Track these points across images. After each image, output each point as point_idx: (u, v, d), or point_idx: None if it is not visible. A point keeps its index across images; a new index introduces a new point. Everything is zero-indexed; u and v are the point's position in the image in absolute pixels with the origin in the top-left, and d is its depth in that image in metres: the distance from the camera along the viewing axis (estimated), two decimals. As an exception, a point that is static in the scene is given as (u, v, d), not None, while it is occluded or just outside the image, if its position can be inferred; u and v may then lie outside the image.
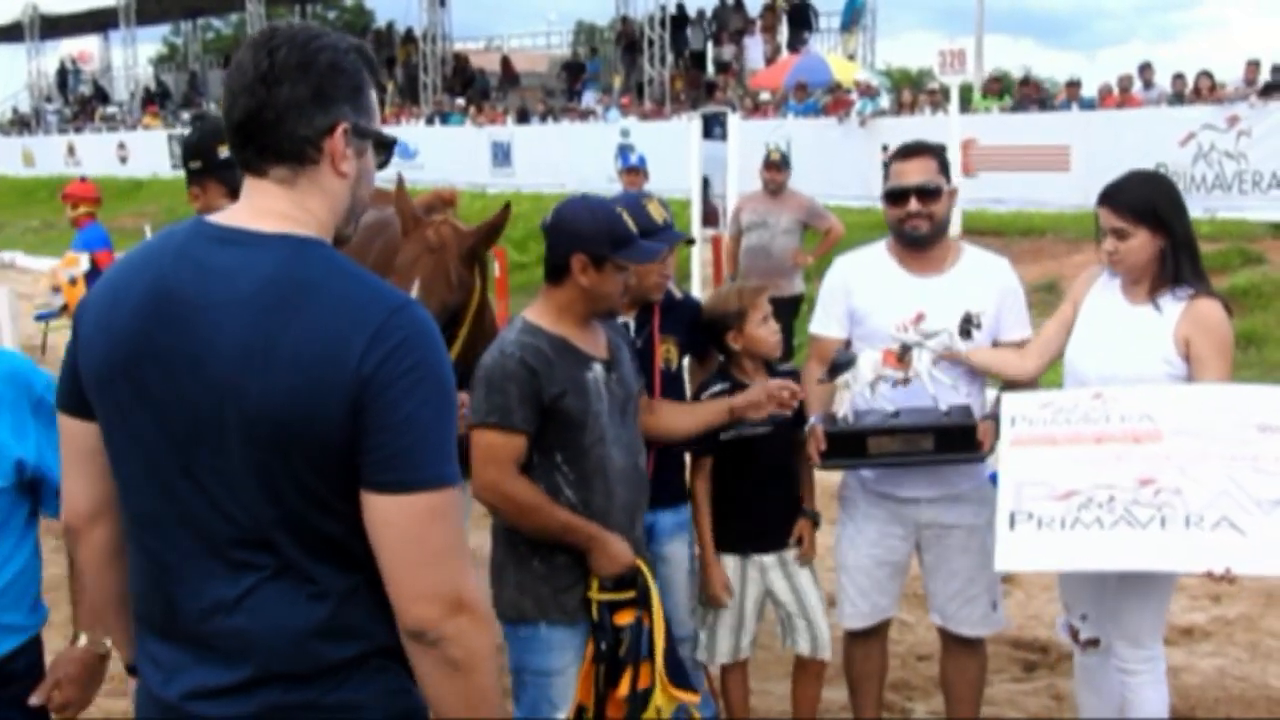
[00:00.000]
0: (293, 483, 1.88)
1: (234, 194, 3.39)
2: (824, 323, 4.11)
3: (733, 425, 3.89)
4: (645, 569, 3.42)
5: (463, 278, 4.12)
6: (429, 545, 1.89)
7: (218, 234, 1.98)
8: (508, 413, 3.28)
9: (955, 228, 10.38)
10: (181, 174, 3.86)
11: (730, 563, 4.10)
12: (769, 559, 4.14)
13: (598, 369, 3.40)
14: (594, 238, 3.33)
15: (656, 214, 3.55)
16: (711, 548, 4.03)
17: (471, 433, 3.30)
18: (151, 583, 2.03)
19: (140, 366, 1.92)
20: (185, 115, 32.87)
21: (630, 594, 3.39)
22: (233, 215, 2.02)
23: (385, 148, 2.13)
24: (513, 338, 3.38)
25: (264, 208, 1.99)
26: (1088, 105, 17.21)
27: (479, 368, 3.39)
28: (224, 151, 3.42)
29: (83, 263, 9.66)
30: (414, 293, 3.97)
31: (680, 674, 3.43)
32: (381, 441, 1.86)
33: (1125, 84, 17.23)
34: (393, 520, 1.87)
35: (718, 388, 4.01)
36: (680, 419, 3.84)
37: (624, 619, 3.38)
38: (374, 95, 2.09)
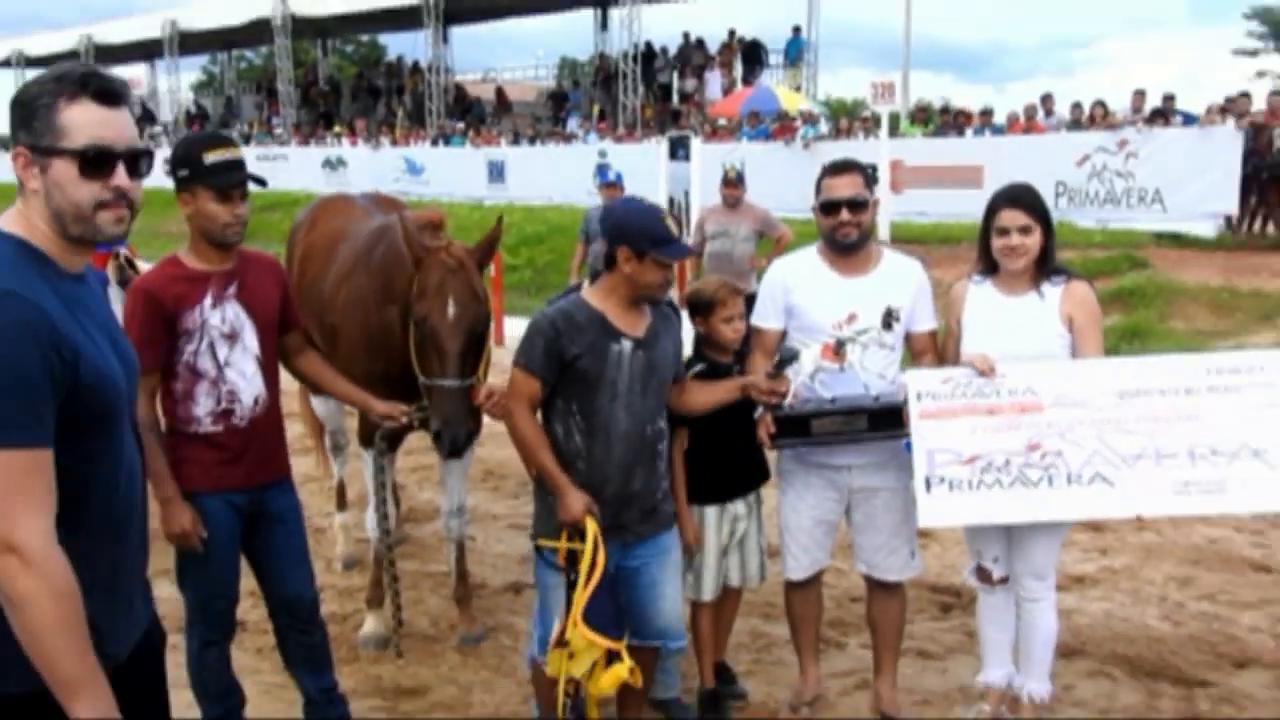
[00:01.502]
0: None
1: (220, 197, 3.44)
2: (764, 317, 4.11)
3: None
4: (594, 527, 3.44)
5: (482, 288, 4.23)
6: None
7: None
8: (532, 359, 3.52)
9: (884, 236, 10.47)
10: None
11: (711, 512, 4.12)
12: (740, 507, 4.18)
13: (626, 345, 3.53)
14: (637, 234, 3.46)
15: (672, 226, 3.56)
16: (685, 503, 4.04)
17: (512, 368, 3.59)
18: None
19: None
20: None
21: (578, 544, 3.45)
22: None
23: (89, 159, 2.12)
24: (559, 305, 3.60)
25: (9, 213, 2.17)
26: (998, 131, 17.22)
27: (529, 322, 3.62)
28: (209, 158, 3.43)
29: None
30: (450, 309, 4.04)
31: (603, 622, 3.43)
32: None
33: (1030, 113, 17.29)
34: None
35: (699, 368, 4.03)
36: (702, 395, 3.88)
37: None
38: (63, 114, 2.11)
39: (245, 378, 3.60)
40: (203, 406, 3.56)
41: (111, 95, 2.16)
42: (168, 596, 3.82)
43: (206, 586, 3.67)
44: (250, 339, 3.61)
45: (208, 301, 3.53)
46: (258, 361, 3.63)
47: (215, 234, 3.51)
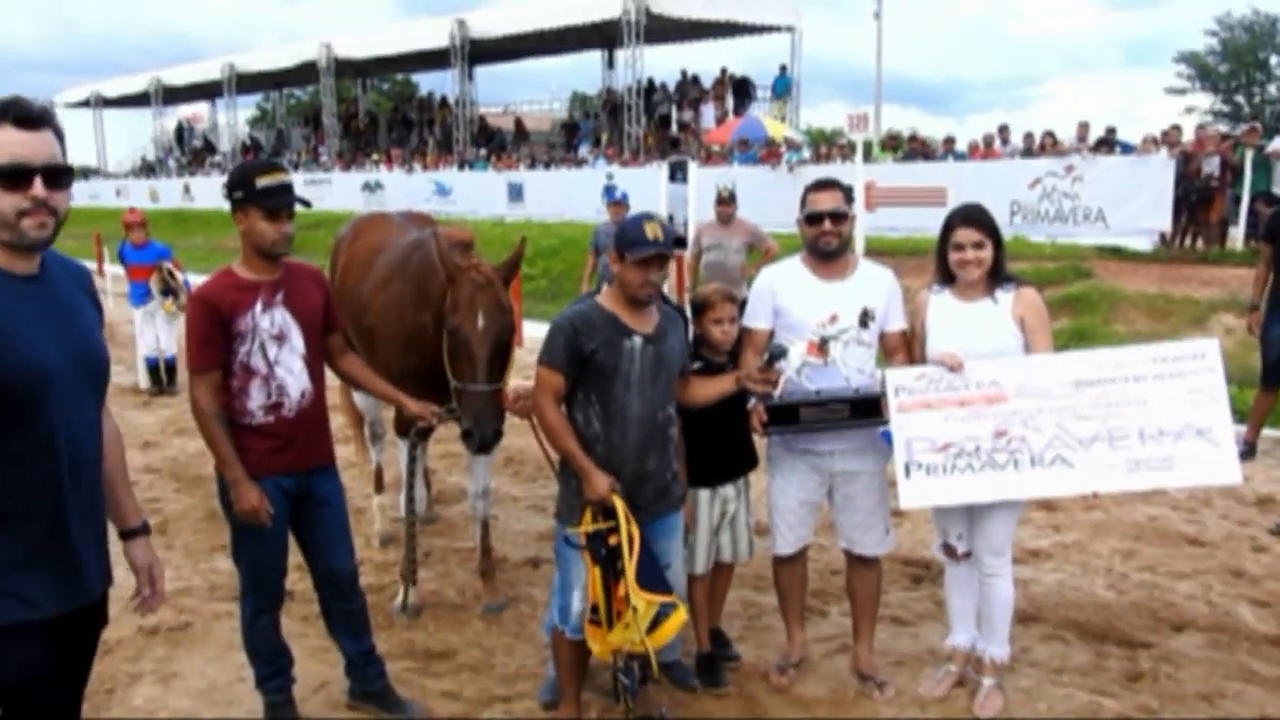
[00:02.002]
0: None
1: (270, 216, 3.44)
2: (754, 317, 4.07)
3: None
4: (619, 504, 3.41)
5: (508, 302, 4.24)
6: None
7: None
8: (554, 355, 3.53)
9: (860, 249, 10.41)
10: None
11: (703, 495, 4.08)
12: (729, 490, 4.14)
13: (637, 340, 3.54)
14: (619, 241, 3.53)
15: (650, 232, 3.48)
16: (686, 483, 3.98)
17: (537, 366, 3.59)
18: None
19: None
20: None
21: (610, 524, 3.42)
22: None
23: (7, 174, 2.19)
24: (577, 307, 3.64)
25: None
26: (960, 157, 17.22)
27: (551, 324, 3.62)
28: (260, 182, 3.44)
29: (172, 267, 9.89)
30: (480, 321, 4.05)
31: (654, 581, 3.41)
32: None
33: (988, 141, 17.26)
34: None
35: (696, 365, 3.98)
36: (702, 389, 3.84)
37: (612, 541, 3.41)
38: None
39: (293, 374, 3.59)
40: (255, 400, 3.55)
41: (30, 120, 2.24)
42: (224, 569, 3.79)
43: (259, 560, 3.68)
44: (297, 340, 3.60)
45: (258, 307, 3.53)
46: (304, 360, 3.62)
47: (265, 248, 3.52)
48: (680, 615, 3.49)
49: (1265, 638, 4.57)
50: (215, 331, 3.48)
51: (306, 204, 3.66)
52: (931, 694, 4.07)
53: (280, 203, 3.49)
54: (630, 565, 3.36)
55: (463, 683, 4.24)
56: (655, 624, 3.44)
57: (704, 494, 4.08)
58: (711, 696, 4.09)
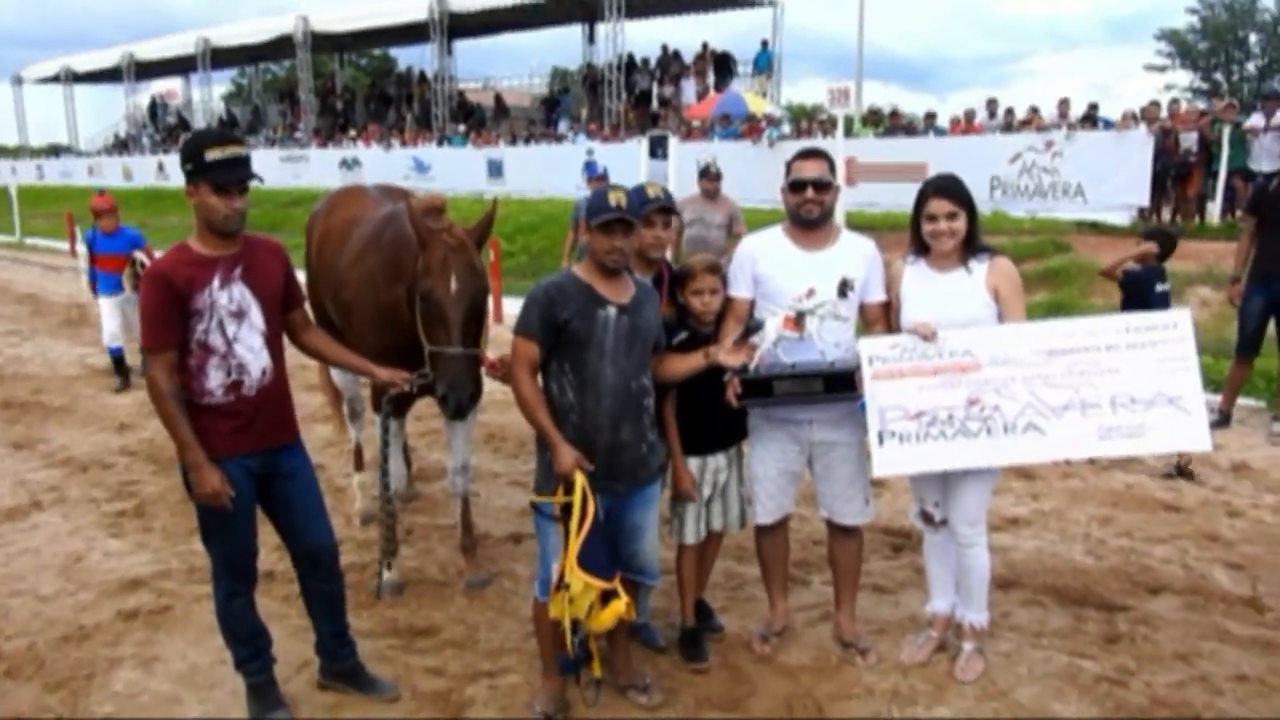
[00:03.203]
0: None
1: (220, 191, 3.37)
2: (735, 286, 4.06)
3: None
4: (582, 483, 3.41)
5: (481, 265, 4.20)
6: None
7: None
8: (529, 324, 3.56)
9: (840, 223, 10.44)
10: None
11: (694, 464, 4.08)
12: (721, 460, 4.15)
13: (611, 310, 3.57)
14: (587, 211, 3.60)
15: (613, 198, 3.52)
16: (680, 456, 4.01)
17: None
18: None
19: None
20: (249, 139, 32.34)
21: (569, 498, 3.43)
22: None
23: None
24: (551, 278, 3.67)
25: None
26: (940, 133, 17.21)
27: (526, 294, 3.63)
28: (210, 155, 3.35)
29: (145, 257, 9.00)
30: (453, 284, 4.01)
31: (597, 566, 3.41)
32: None
33: (969, 117, 17.29)
34: None
35: (682, 335, 3.98)
36: (675, 365, 3.84)
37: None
38: None
39: (253, 352, 3.53)
40: (214, 379, 3.48)
41: None
42: (203, 551, 3.78)
43: (228, 544, 3.63)
44: (256, 316, 3.54)
45: (216, 283, 3.45)
46: (264, 337, 3.56)
47: (216, 224, 3.43)
48: (619, 606, 3.47)
49: (1239, 599, 4.64)
50: (171, 309, 3.39)
51: (259, 179, 3.56)
52: (913, 659, 4.12)
53: (231, 177, 3.38)
54: (575, 543, 3.37)
55: (446, 659, 4.25)
56: (603, 605, 3.46)
57: (694, 463, 4.08)
58: (693, 671, 4.11)
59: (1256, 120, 13.51)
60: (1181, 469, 6.31)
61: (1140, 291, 6.53)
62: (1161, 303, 6.57)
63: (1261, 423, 7.39)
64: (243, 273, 3.51)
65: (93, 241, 9.23)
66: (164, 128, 39.94)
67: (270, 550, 4.46)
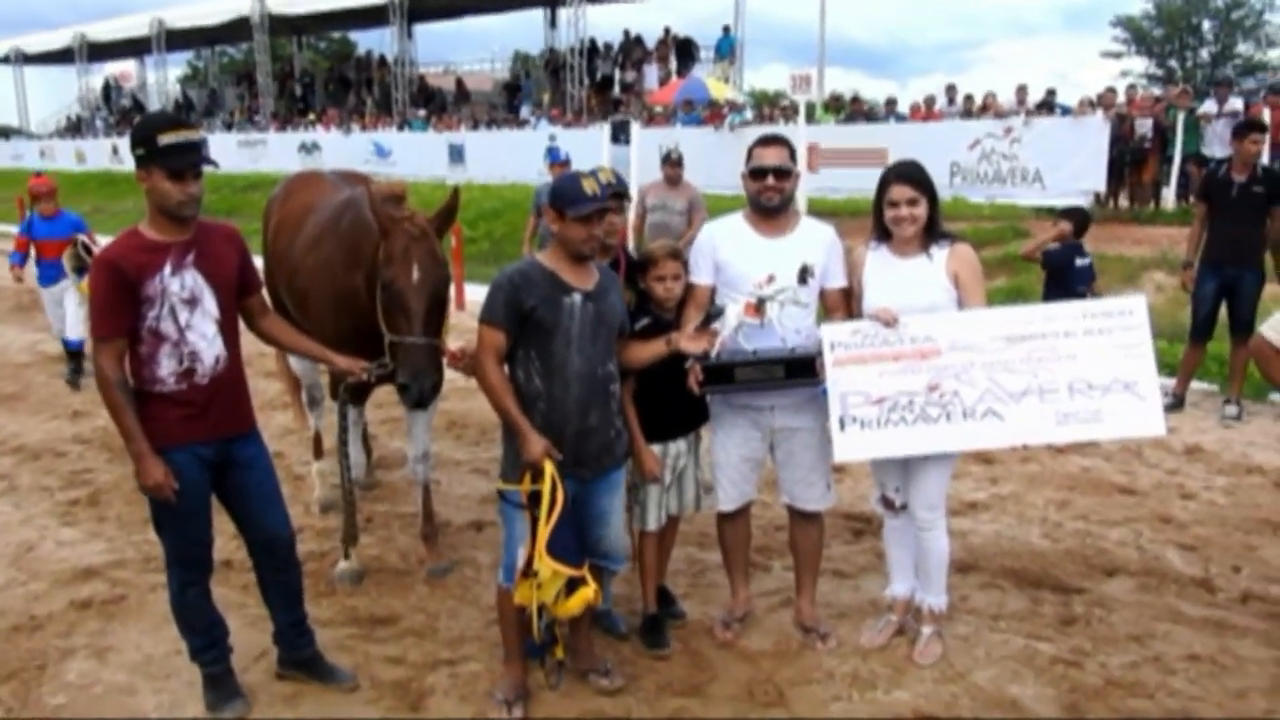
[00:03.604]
0: None
1: (174, 177, 3.29)
2: (696, 273, 4.05)
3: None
4: (552, 470, 3.41)
5: (442, 254, 4.15)
6: None
7: None
8: (495, 312, 3.52)
9: (802, 209, 10.45)
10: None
11: (655, 449, 4.06)
12: (681, 445, 4.14)
13: (576, 297, 3.54)
14: (559, 199, 3.52)
15: (588, 187, 3.49)
16: (641, 439, 3.98)
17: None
18: None
19: None
20: (205, 123, 31.81)
21: (536, 486, 3.42)
22: None
23: None
24: (516, 265, 3.63)
25: None
26: (901, 119, 17.26)
27: (491, 282, 3.59)
28: (164, 139, 3.27)
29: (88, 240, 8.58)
30: (415, 273, 3.95)
31: (566, 553, 3.41)
32: None
33: (929, 103, 17.34)
34: None
35: (644, 322, 3.96)
36: (636, 352, 3.82)
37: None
38: None
39: (206, 339, 3.47)
40: (165, 367, 3.41)
41: None
42: (156, 540, 3.72)
43: (181, 534, 3.57)
44: (210, 303, 3.47)
45: (168, 270, 3.38)
46: (217, 324, 3.50)
47: (169, 210, 3.36)
48: (587, 593, 3.48)
49: (1192, 580, 4.72)
50: (121, 296, 3.32)
51: (213, 163, 3.48)
52: (872, 644, 4.14)
53: (185, 162, 3.31)
54: (544, 530, 3.36)
55: (406, 647, 4.21)
56: (569, 592, 3.47)
57: (655, 449, 4.06)
58: (655, 657, 4.11)
59: (1209, 106, 13.69)
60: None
61: (1062, 269, 6.80)
62: (1085, 277, 6.80)
63: (1214, 406, 7.51)
64: (195, 259, 3.44)
65: (30, 227, 8.81)
66: (118, 110, 39.14)
67: (228, 539, 4.39)
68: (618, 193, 3.97)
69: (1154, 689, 3.82)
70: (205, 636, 3.74)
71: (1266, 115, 12.52)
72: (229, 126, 32.10)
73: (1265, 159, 11.22)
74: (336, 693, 3.87)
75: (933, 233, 3.89)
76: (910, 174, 3.87)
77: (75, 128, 39.38)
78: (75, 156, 34.26)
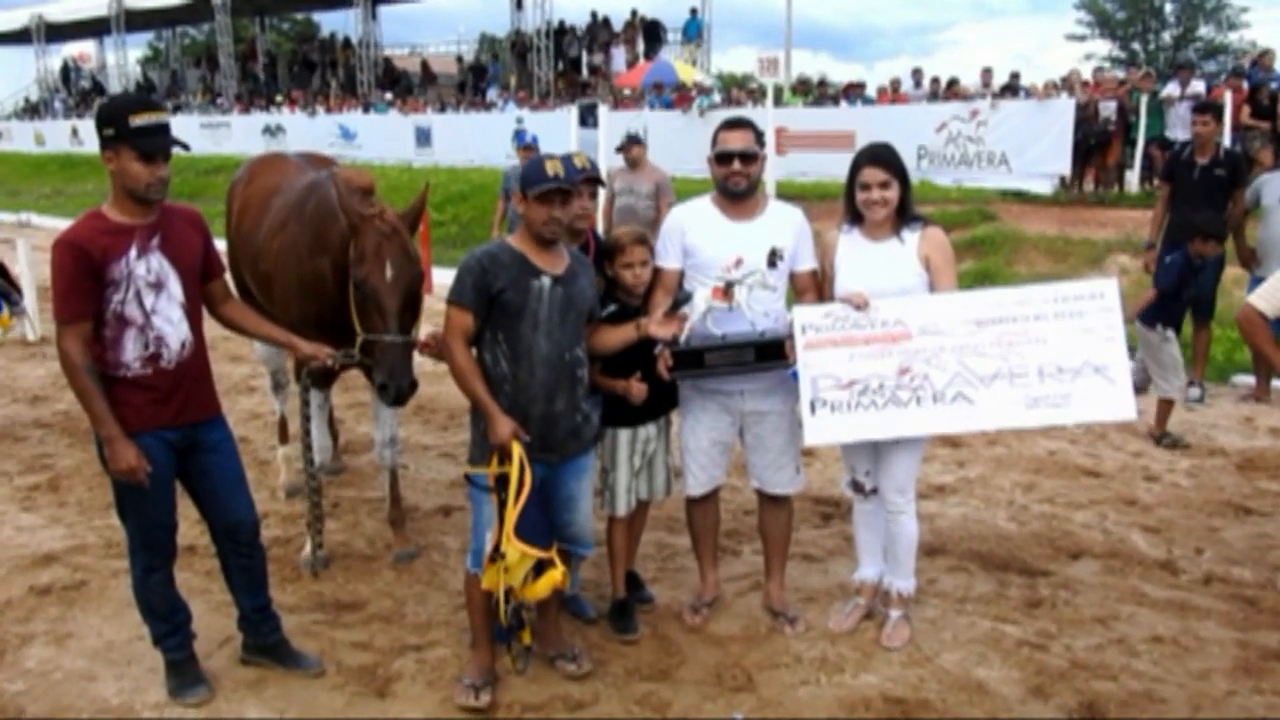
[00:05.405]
0: None
1: (144, 158, 3.22)
2: (664, 257, 4.02)
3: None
4: (519, 452, 3.38)
5: (414, 250, 4.10)
6: None
7: None
8: (463, 294, 3.49)
9: (770, 193, 10.43)
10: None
11: (624, 435, 4.03)
12: (651, 429, 4.11)
13: (545, 280, 3.51)
14: (523, 181, 3.51)
15: (550, 168, 3.46)
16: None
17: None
18: None
19: None
20: (168, 105, 31.26)
21: (507, 468, 3.39)
22: None
23: None
24: (485, 247, 3.60)
25: None
26: (868, 102, 17.27)
27: (459, 263, 3.56)
28: (135, 121, 3.21)
29: None
30: (388, 271, 3.90)
31: (534, 535, 3.40)
32: None
33: (895, 86, 17.36)
34: None
35: (611, 308, 3.92)
36: (605, 338, 3.79)
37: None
38: None
39: (171, 324, 3.42)
40: (130, 352, 3.36)
41: None
42: (119, 525, 3.65)
43: (145, 519, 3.52)
44: (175, 287, 3.42)
45: (133, 253, 3.32)
46: (183, 308, 3.45)
47: (138, 192, 3.30)
48: (555, 575, 3.46)
49: (1156, 562, 4.77)
50: (86, 279, 3.25)
51: (185, 146, 3.42)
52: (841, 627, 4.15)
53: (156, 144, 3.26)
54: (512, 512, 3.34)
55: (373, 633, 4.17)
56: (537, 575, 3.45)
57: (624, 434, 4.04)
58: (623, 642, 4.09)
59: (1172, 89, 13.81)
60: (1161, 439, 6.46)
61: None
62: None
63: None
64: (160, 242, 3.38)
65: None
66: (77, 92, 38.36)
67: (191, 524, 4.32)
68: (592, 178, 3.91)
69: (1118, 671, 3.85)
70: (168, 622, 3.69)
71: (1229, 99, 12.66)
72: (191, 108, 31.59)
73: (1227, 141, 11.40)
74: (302, 678, 3.83)
75: (904, 216, 3.88)
76: (882, 156, 3.85)
77: (34, 110, 38.58)
78: (34, 139, 33.60)
